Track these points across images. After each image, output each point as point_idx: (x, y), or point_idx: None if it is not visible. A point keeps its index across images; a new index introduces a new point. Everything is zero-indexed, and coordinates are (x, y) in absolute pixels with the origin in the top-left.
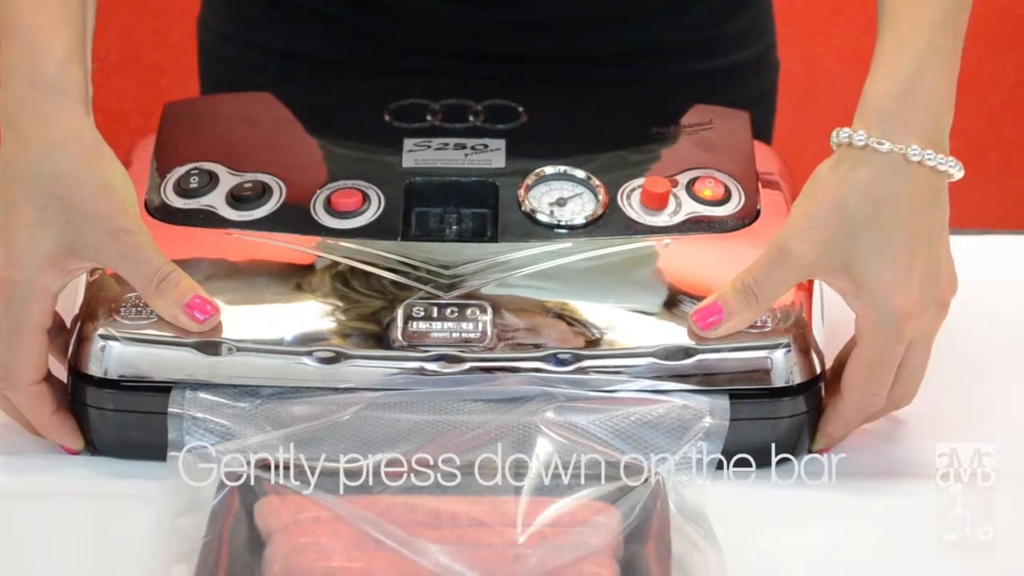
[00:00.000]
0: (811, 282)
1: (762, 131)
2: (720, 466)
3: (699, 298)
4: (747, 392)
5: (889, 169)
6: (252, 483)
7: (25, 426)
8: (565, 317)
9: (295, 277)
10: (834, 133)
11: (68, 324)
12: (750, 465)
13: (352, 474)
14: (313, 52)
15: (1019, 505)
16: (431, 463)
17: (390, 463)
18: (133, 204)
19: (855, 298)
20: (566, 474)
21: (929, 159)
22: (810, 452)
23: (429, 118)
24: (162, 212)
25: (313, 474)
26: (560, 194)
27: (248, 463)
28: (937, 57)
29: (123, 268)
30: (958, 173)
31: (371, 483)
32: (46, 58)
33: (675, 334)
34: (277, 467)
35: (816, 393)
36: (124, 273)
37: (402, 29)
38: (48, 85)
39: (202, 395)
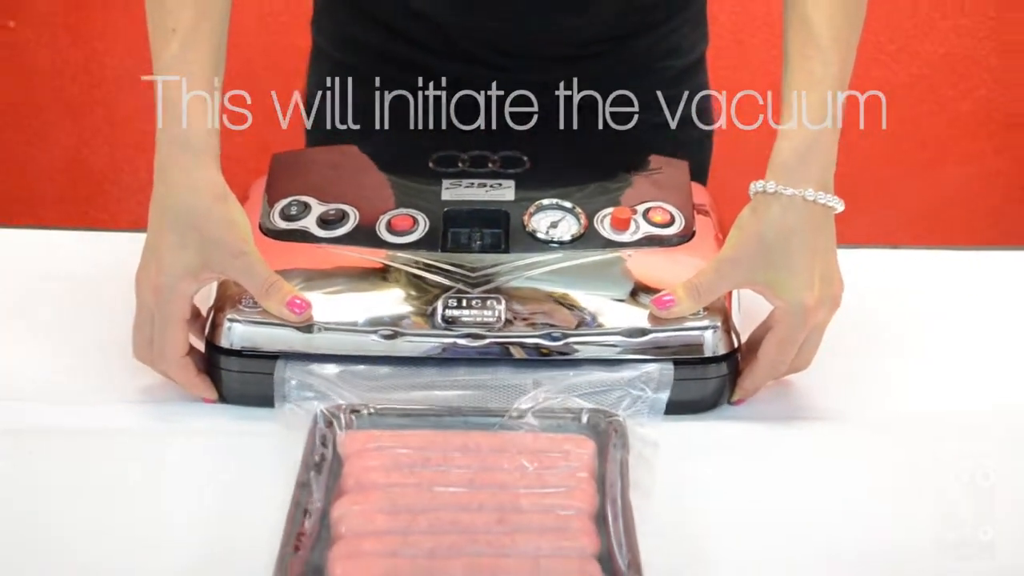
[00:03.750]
0: None
1: (700, 168)
2: (666, 412)
3: (653, 292)
4: (686, 360)
5: (792, 207)
6: (336, 422)
7: (180, 386)
8: (556, 306)
9: (365, 278)
10: (751, 184)
11: (203, 312)
12: (687, 412)
13: (406, 416)
14: (383, 108)
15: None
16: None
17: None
18: (249, 233)
19: (774, 297)
20: (559, 417)
21: (821, 198)
22: (729, 403)
23: (460, 165)
24: (271, 232)
25: (378, 415)
26: (553, 219)
27: (333, 409)
28: (826, 128)
29: (242, 279)
30: (840, 207)
31: (420, 420)
32: (192, 128)
33: (635, 319)
34: (353, 411)
35: (735, 361)
36: (243, 282)
37: (445, 92)
38: (192, 148)
39: (300, 363)
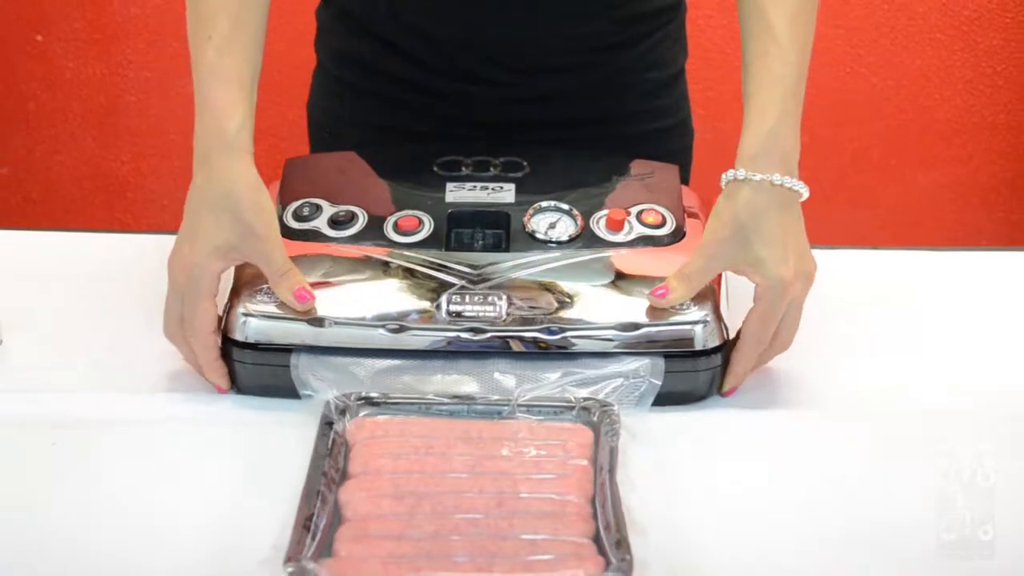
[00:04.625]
0: (719, 279)
1: (682, 174)
2: (656, 403)
3: (645, 289)
4: (677, 353)
5: (761, 191)
6: (346, 411)
7: (196, 368)
8: (554, 302)
9: (374, 275)
10: (723, 175)
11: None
12: (678, 403)
13: (412, 405)
14: (381, 123)
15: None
16: (464, 401)
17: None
18: (275, 223)
19: (753, 274)
20: (557, 407)
21: (787, 183)
22: (720, 394)
23: (463, 169)
24: (285, 232)
25: (385, 404)
26: (551, 220)
27: (343, 397)
28: (787, 118)
29: (262, 262)
30: (805, 193)
31: (425, 410)
32: (227, 126)
33: (628, 314)
34: (362, 399)
35: (724, 354)
36: (261, 266)
37: (438, 104)
38: (227, 143)
39: (311, 356)
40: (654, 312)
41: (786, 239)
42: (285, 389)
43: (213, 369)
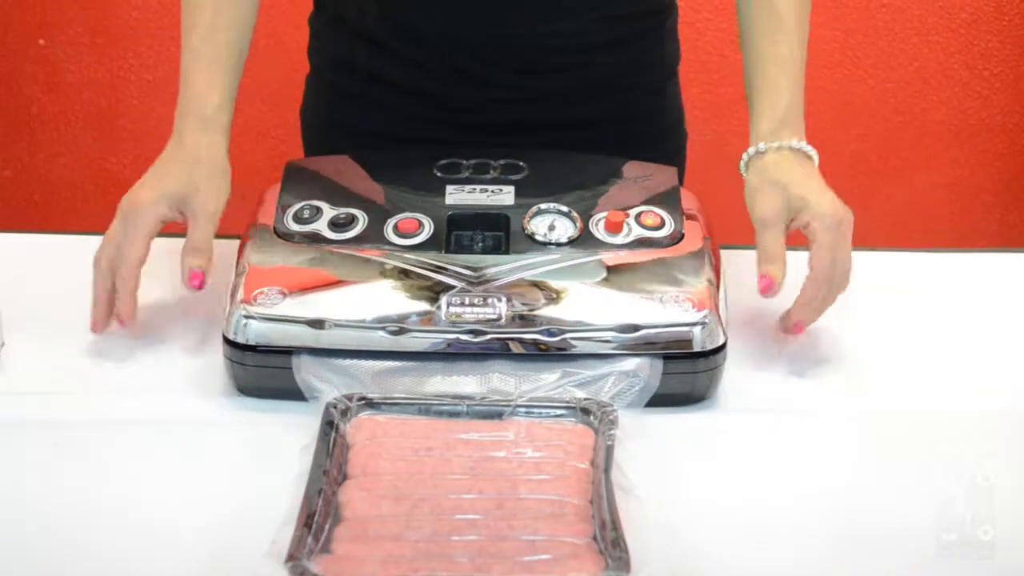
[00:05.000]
0: (718, 281)
1: (677, 173)
2: (655, 404)
3: (644, 290)
4: (675, 355)
5: (783, 152)
6: (347, 411)
7: (98, 300)
8: (554, 304)
9: (374, 277)
10: (744, 155)
11: (223, 309)
12: (677, 404)
13: (412, 405)
14: (375, 128)
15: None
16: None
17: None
18: (222, 201)
19: (802, 214)
20: (556, 407)
21: (804, 147)
22: (788, 332)
23: (463, 171)
24: (285, 234)
25: (386, 405)
26: (551, 222)
27: (343, 398)
28: (796, 99)
29: (190, 225)
30: (817, 158)
31: (425, 410)
32: (204, 106)
33: (627, 315)
34: (362, 400)
35: (722, 356)
36: (188, 229)
37: (433, 107)
38: (203, 121)
39: (312, 357)
40: (653, 313)
41: (821, 187)
42: (286, 391)
43: (126, 301)
